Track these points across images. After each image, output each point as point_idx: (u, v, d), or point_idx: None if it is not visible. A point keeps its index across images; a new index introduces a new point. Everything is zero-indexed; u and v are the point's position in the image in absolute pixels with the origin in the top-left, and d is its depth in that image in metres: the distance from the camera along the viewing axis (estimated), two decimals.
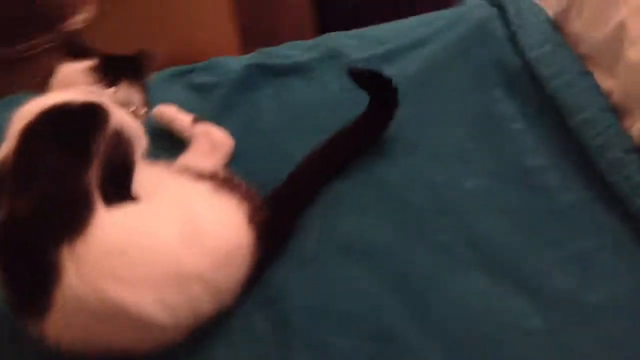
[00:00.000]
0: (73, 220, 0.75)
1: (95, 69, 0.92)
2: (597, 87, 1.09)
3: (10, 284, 0.77)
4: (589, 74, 1.12)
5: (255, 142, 1.10)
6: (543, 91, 1.12)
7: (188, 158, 1.03)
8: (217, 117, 1.13)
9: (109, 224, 0.76)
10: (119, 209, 0.79)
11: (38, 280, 0.74)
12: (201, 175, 0.92)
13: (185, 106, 1.13)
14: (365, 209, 0.99)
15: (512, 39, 1.22)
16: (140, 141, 0.89)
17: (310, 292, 0.88)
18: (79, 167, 0.79)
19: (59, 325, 0.75)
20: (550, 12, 1.31)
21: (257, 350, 0.83)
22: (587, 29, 1.22)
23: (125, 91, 0.93)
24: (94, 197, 0.78)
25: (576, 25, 1.24)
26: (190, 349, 0.81)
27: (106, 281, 0.74)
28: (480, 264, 0.90)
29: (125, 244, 0.76)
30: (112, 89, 0.91)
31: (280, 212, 0.93)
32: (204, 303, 0.80)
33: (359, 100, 1.07)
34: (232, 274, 0.84)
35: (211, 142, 1.05)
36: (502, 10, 1.29)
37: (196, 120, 1.09)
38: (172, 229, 0.80)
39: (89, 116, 0.83)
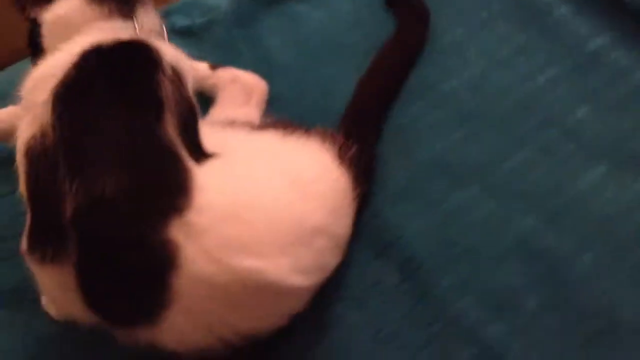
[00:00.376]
0: (172, 189, 0.60)
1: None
2: None
3: (107, 287, 0.61)
4: None
5: (279, 86, 0.93)
6: None
7: (222, 111, 0.87)
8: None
9: (211, 185, 0.62)
10: (208, 167, 0.64)
11: (148, 274, 0.60)
12: (259, 126, 0.79)
13: None
14: (442, 127, 0.88)
15: None
16: (190, 77, 0.71)
17: (427, 226, 0.79)
18: (153, 121, 0.62)
19: (181, 322, 0.60)
20: None
21: (390, 305, 0.74)
22: None
23: (147, 18, 0.71)
24: (183, 156, 0.62)
25: None
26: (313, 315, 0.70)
27: (234, 252, 0.60)
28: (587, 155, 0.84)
29: (238, 206, 0.63)
30: (134, 21, 0.70)
31: (360, 143, 0.79)
32: (329, 257, 0.69)
33: (380, 17, 0.97)
34: (344, 219, 0.72)
35: (243, 88, 0.89)
36: None
37: (213, 67, 0.92)
38: (277, 183, 0.67)
39: (140, 56, 0.66)
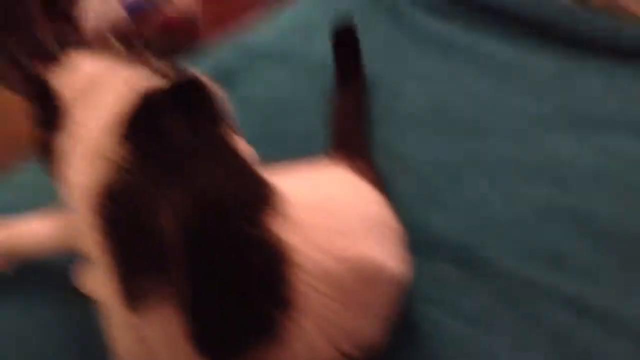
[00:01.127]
0: (262, 190, 0.62)
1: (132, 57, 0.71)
2: None
3: (222, 309, 0.58)
4: None
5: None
6: None
7: None
8: None
9: (287, 188, 0.63)
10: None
11: (266, 274, 0.58)
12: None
13: None
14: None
15: None
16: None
17: (457, 211, 0.87)
18: (226, 137, 0.65)
19: (307, 330, 0.59)
20: None
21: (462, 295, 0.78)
22: None
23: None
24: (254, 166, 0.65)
25: None
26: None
27: (338, 242, 0.61)
28: None
29: (322, 201, 0.65)
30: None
31: (363, 159, 0.86)
32: (402, 249, 0.71)
33: None
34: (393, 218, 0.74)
35: None
36: None
37: None
38: (339, 189, 0.70)
39: (194, 85, 0.67)
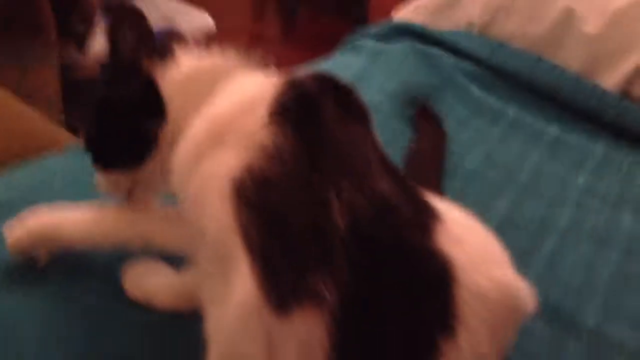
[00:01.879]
0: (421, 196, 0.59)
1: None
2: None
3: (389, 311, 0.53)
4: None
5: None
6: None
7: None
8: None
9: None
10: None
11: (435, 289, 0.54)
12: None
13: None
14: None
15: None
16: None
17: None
18: (374, 138, 0.63)
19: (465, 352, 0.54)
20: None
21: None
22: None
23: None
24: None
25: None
26: None
27: (490, 264, 0.58)
28: None
29: (465, 221, 0.62)
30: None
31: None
32: None
33: None
34: None
35: None
36: None
37: None
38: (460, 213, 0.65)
39: (335, 81, 0.64)
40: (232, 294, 0.54)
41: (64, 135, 1.33)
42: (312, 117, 0.59)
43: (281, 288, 0.52)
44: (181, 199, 0.64)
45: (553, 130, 1.19)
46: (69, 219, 0.76)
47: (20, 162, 0.98)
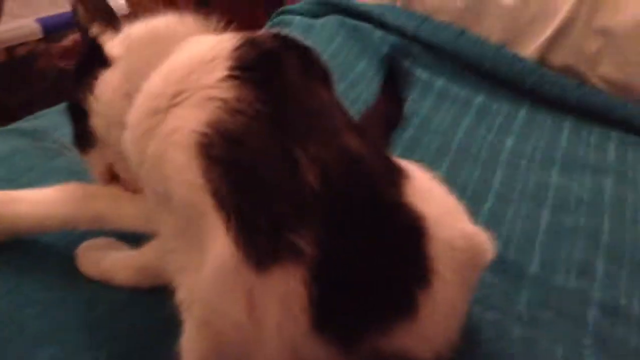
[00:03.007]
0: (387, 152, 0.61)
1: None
2: None
3: (361, 272, 0.53)
4: None
5: None
6: None
7: None
8: None
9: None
10: None
11: (406, 242, 0.55)
12: None
13: None
14: None
15: None
16: None
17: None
18: (335, 96, 0.62)
19: (440, 307, 0.56)
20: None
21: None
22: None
23: None
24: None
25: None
26: None
27: (454, 218, 0.60)
28: None
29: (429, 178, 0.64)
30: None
31: None
32: None
33: None
34: None
35: None
36: None
37: None
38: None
39: (294, 41, 0.63)
40: (208, 256, 0.52)
41: None
42: (274, 73, 0.57)
43: (259, 246, 0.51)
44: (137, 162, 0.59)
45: (480, 98, 1.25)
46: (25, 198, 0.73)
47: None
